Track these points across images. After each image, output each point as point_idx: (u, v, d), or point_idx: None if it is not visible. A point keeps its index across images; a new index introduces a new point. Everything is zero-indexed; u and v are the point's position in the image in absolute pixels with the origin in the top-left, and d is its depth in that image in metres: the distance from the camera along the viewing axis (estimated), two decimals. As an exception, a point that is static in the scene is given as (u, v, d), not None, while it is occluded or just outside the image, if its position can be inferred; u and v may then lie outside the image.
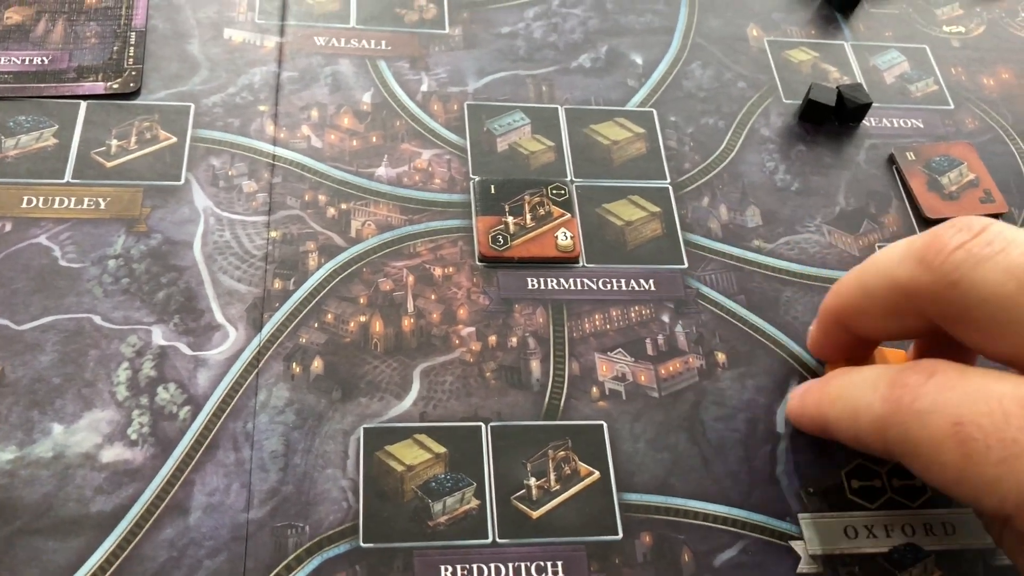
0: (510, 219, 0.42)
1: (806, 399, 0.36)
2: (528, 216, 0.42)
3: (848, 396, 0.32)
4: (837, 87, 0.47)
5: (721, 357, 0.40)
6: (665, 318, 0.40)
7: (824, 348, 0.38)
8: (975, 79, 0.51)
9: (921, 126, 0.49)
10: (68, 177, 0.40)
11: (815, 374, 0.39)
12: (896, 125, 0.49)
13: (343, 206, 0.41)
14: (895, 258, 0.32)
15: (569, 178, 0.44)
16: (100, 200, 0.40)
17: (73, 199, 0.40)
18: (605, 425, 0.37)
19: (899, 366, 0.31)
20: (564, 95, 0.47)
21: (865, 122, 0.48)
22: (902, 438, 0.29)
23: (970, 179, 0.47)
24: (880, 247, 0.44)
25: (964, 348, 0.31)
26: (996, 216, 0.46)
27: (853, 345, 0.36)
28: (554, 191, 0.43)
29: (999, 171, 0.47)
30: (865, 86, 0.50)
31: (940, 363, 0.29)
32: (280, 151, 0.42)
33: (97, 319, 0.37)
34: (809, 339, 0.39)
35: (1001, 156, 0.48)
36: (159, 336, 0.37)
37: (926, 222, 0.45)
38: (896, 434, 0.29)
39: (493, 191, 0.43)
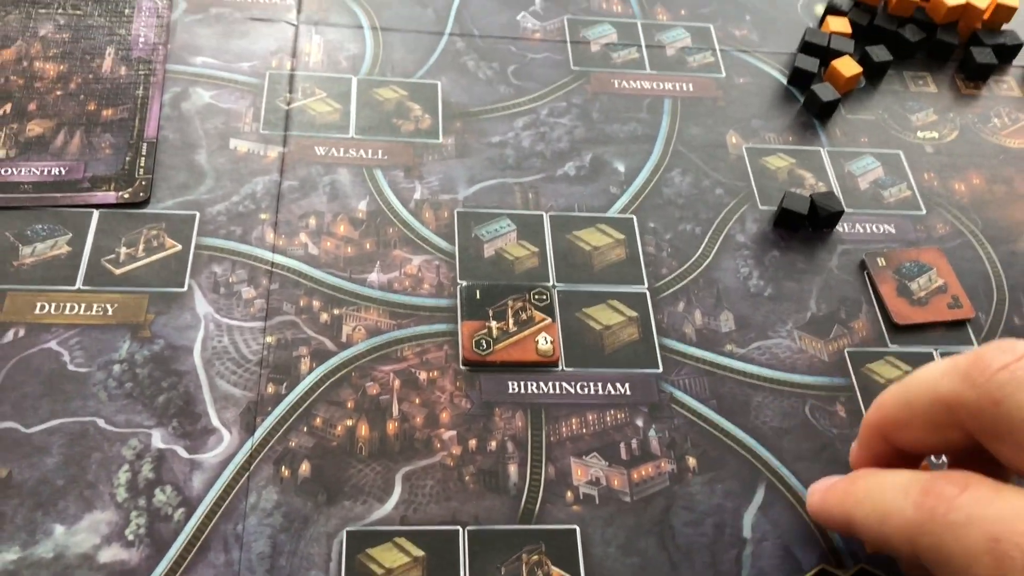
0: (493, 324, 0.44)
1: (829, 497, 0.37)
2: (511, 321, 0.44)
3: (877, 499, 0.33)
4: (810, 195, 0.50)
5: (692, 462, 0.41)
6: (639, 422, 0.42)
7: (866, 462, 0.38)
8: (947, 184, 0.54)
9: (893, 231, 0.51)
10: (79, 284, 0.43)
11: (781, 478, 0.41)
12: (869, 231, 0.51)
13: (336, 311, 0.44)
14: (938, 373, 0.33)
15: (551, 283, 0.46)
16: (108, 306, 0.43)
17: (83, 305, 0.42)
18: (578, 529, 0.39)
19: (930, 474, 0.32)
20: (549, 202, 0.49)
21: (839, 228, 0.50)
22: (934, 547, 0.30)
23: (939, 285, 0.49)
24: (849, 352, 0.46)
25: (998, 464, 0.32)
26: (962, 321, 0.48)
27: (893, 458, 0.37)
28: (536, 296, 0.46)
29: (968, 276, 0.49)
30: (840, 192, 0.52)
31: (973, 476, 0.31)
32: (279, 258, 0.45)
33: (101, 422, 0.39)
34: (851, 454, 0.39)
35: (970, 261, 0.50)
36: (158, 439, 0.39)
37: (895, 328, 0.47)
38: (928, 543, 0.30)
39: (478, 296, 0.45)
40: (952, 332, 0.47)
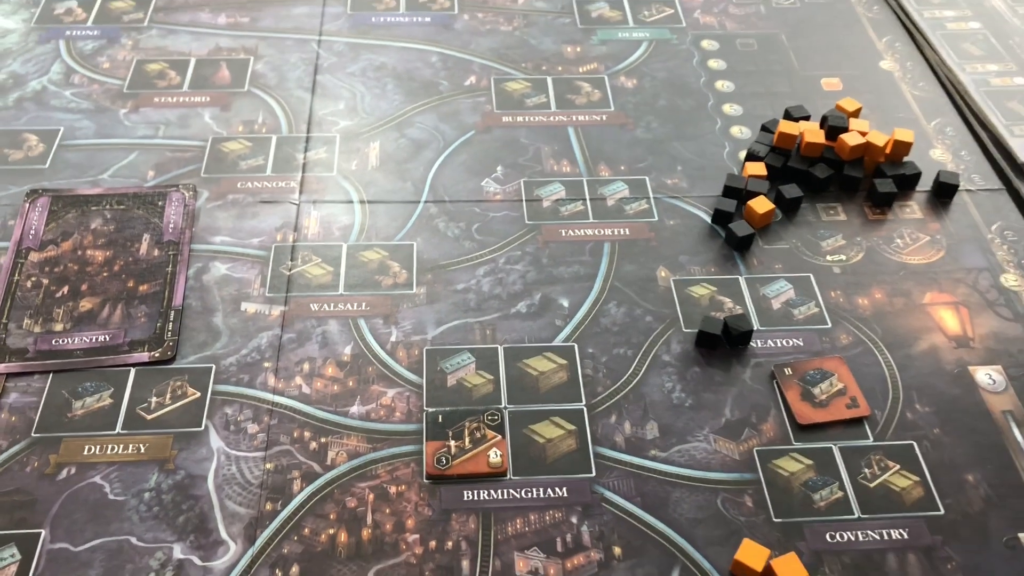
0: (452, 443, 0.53)
1: None
2: (467, 439, 0.54)
3: None
4: (724, 318, 0.59)
5: (617, 551, 0.49)
6: (574, 519, 0.51)
7: None
8: (851, 300, 0.62)
9: (802, 344, 0.59)
10: (119, 429, 0.54)
11: (694, 561, 0.49)
12: (780, 345, 0.59)
13: (322, 440, 0.53)
14: None
15: (503, 405, 0.56)
16: (141, 446, 0.53)
17: (121, 446, 0.53)
18: (519, 611, 0.47)
19: None
20: (504, 336, 0.59)
21: (753, 344, 0.59)
22: None
23: (839, 388, 0.57)
24: (758, 451, 0.54)
25: None
26: (859, 419, 0.55)
27: None
28: (489, 417, 0.55)
29: (867, 379, 0.57)
30: (755, 313, 0.61)
31: None
32: (278, 399, 0.55)
33: (133, 540, 0.49)
34: None
35: (869, 366, 0.58)
36: (178, 551, 0.49)
37: (799, 427, 0.55)
38: None
39: (440, 420, 0.55)
40: (850, 429, 0.55)
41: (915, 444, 0.54)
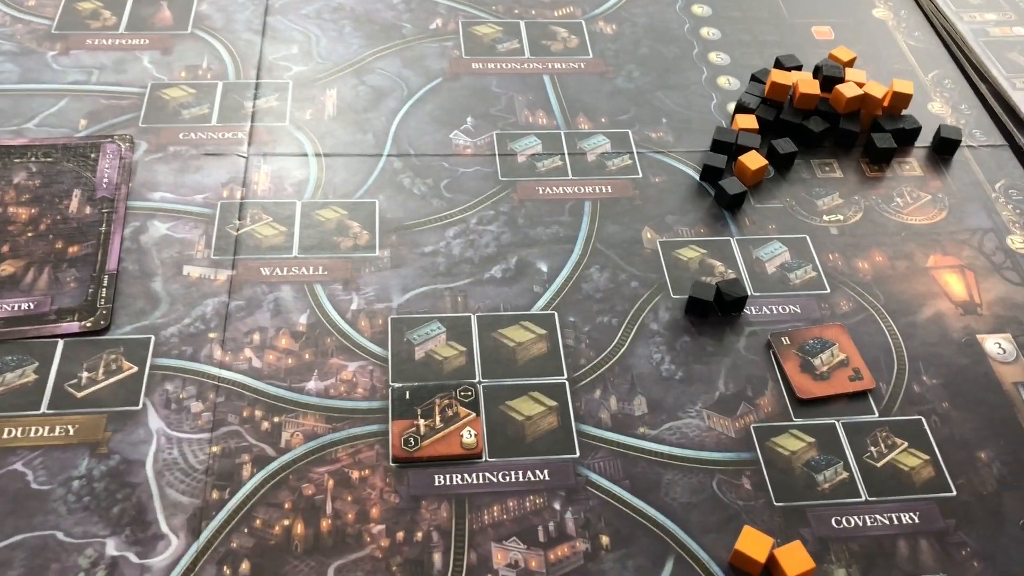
0: (421, 422, 0.48)
1: None
2: (438, 418, 0.48)
3: None
4: (716, 284, 0.54)
5: (605, 540, 0.45)
6: (556, 505, 0.46)
7: None
8: (850, 263, 0.58)
9: (799, 311, 0.55)
10: (44, 408, 0.47)
11: (688, 551, 0.44)
12: (775, 312, 0.55)
13: (276, 419, 0.48)
14: None
15: (477, 379, 0.50)
16: (70, 427, 0.47)
17: (47, 428, 0.47)
18: (497, 610, 0.42)
19: None
20: (477, 304, 0.54)
21: (746, 311, 0.54)
22: None
23: (841, 359, 0.52)
24: (755, 428, 0.49)
25: None
26: (863, 392, 0.51)
27: None
28: (462, 393, 0.50)
29: (869, 349, 0.53)
30: (747, 277, 0.56)
31: None
32: (225, 373, 0.50)
33: (60, 535, 0.43)
34: None
35: (872, 335, 0.54)
36: (111, 547, 0.43)
37: (799, 402, 0.50)
38: None
39: (407, 397, 0.49)
40: (853, 403, 0.51)
41: (923, 419, 0.50)
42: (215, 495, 0.45)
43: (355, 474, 0.46)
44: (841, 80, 0.65)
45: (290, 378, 0.50)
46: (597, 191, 0.61)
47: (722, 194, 0.60)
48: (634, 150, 0.63)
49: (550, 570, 0.43)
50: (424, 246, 0.57)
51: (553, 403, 0.50)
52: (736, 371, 0.52)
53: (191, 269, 0.54)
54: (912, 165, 0.64)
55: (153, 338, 0.51)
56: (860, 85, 0.65)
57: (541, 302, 0.54)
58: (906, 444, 0.49)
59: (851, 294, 0.56)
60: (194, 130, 0.62)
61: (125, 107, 0.63)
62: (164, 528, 0.44)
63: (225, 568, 0.43)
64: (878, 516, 0.46)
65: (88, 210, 0.56)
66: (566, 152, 0.63)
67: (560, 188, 0.61)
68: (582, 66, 0.69)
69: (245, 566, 0.43)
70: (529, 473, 0.47)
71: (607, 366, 0.51)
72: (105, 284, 0.53)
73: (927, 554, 0.45)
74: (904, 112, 0.66)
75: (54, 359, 0.49)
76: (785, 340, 0.53)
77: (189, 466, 0.46)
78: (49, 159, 0.59)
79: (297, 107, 0.64)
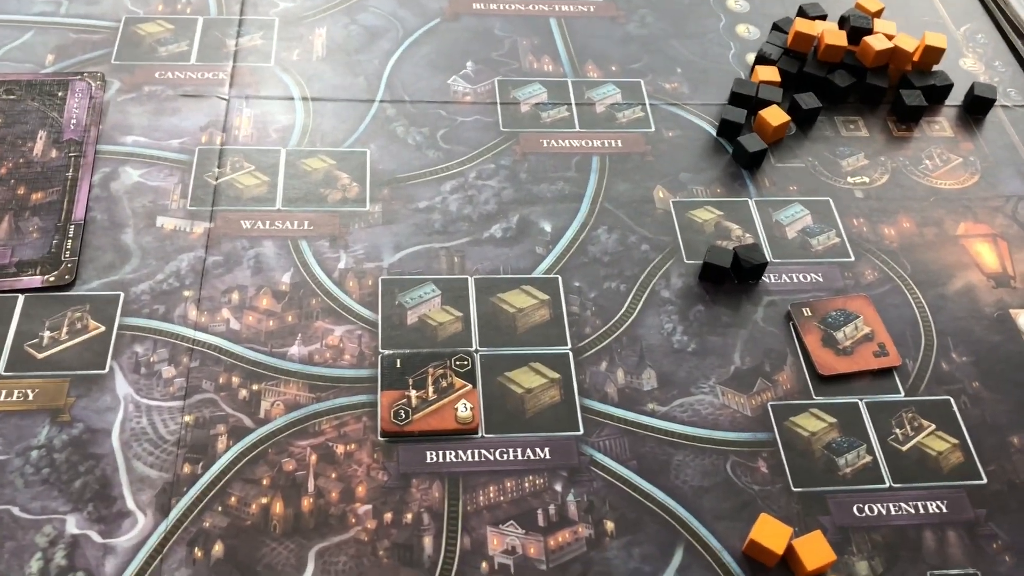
0: (413, 393, 0.44)
1: None
2: (431, 389, 0.45)
3: None
4: (733, 248, 0.50)
5: (610, 526, 0.41)
6: (558, 487, 0.42)
7: None
8: (876, 230, 0.54)
9: (821, 280, 0.51)
10: (1, 370, 0.43)
11: (700, 539, 0.41)
12: (796, 280, 0.51)
13: (255, 387, 0.44)
14: None
15: (474, 348, 0.47)
16: (29, 392, 0.43)
17: (3, 392, 0.43)
18: (492, 600, 0.39)
19: None
20: (475, 265, 0.50)
21: (765, 278, 0.51)
22: None
23: (865, 333, 0.48)
24: (772, 406, 0.46)
25: None
26: (889, 369, 0.47)
27: None
28: (458, 362, 0.46)
29: (895, 323, 0.49)
30: (767, 242, 0.52)
31: None
32: (200, 335, 0.46)
33: (16, 510, 0.40)
34: None
35: (898, 307, 0.50)
36: (72, 525, 0.39)
37: (820, 379, 0.47)
38: None
39: (398, 365, 0.45)
40: (878, 381, 0.47)
41: (952, 400, 0.47)
42: (187, 469, 0.41)
43: (340, 449, 0.43)
44: (869, 31, 0.61)
45: (271, 342, 0.46)
46: (606, 145, 0.56)
47: (740, 151, 0.55)
48: (646, 101, 0.59)
49: (550, 557, 0.40)
50: (418, 201, 0.52)
51: (556, 375, 0.46)
52: (753, 344, 0.48)
53: (165, 220, 0.50)
54: (942, 125, 0.60)
55: (122, 295, 0.47)
56: (889, 37, 0.61)
57: (544, 265, 0.50)
58: (934, 427, 0.46)
59: (876, 263, 0.52)
60: (171, 69, 0.57)
61: (97, 42, 0.58)
62: (130, 504, 0.40)
63: (196, 550, 0.39)
64: (903, 504, 0.43)
65: (54, 153, 0.52)
66: (573, 102, 0.58)
67: (566, 141, 0.56)
68: (592, 9, 0.65)
69: (218, 548, 0.39)
70: (529, 451, 0.43)
71: (614, 336, 0.48)
72: (71, 235, 0.49)
73: (955, 546, 0.42)
74: (935, 68, 0.61)
75: (13, 316, 0.45)
76: (806, 311, 0.49)
77: (159, 437, 0.42)
78: (12, 96, 0.54)
79: (283, 46, 0.59)
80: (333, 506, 0.41)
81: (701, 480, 0.43)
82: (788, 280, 0.51)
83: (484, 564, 0.40)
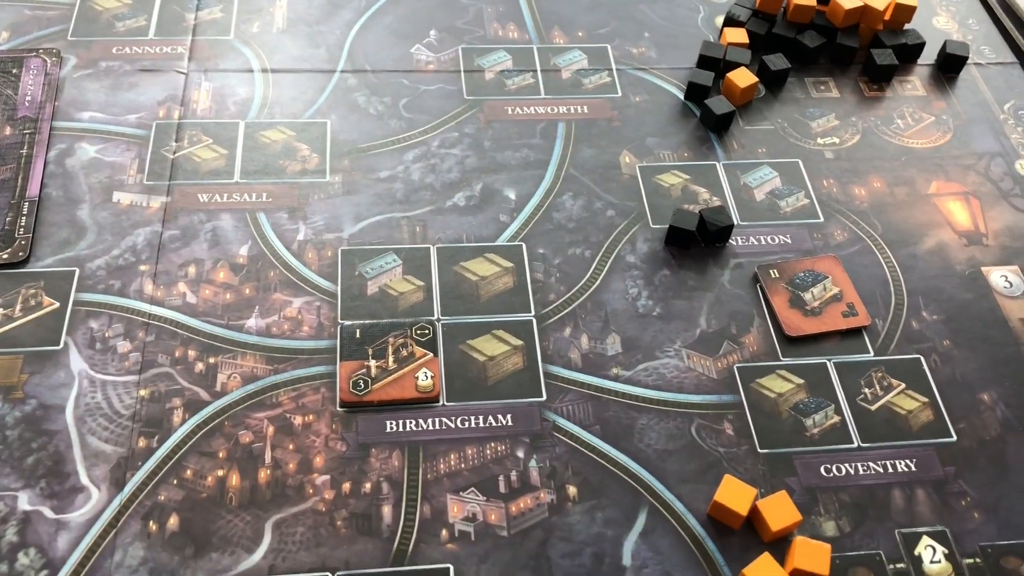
0: (373, 363, 0.44)
1: None
2: (391, 359, 0.44)
3: None
4: (699, 211, 0.49)
5: (572, 491, 0.41)
6: (520, 453, 0.42)
7: None
8: (846, 190, 0.53)
9: (789, 242, 0.50)
10: (-47, 348, 0.43)
11: (664, 502, 0.40)
12: (764, 243, 0.50)
13: (211, 360, 0.43)
14: None
15: (436, 316, 0.46)
16: (-19, 369, 0.42)
17: (-45, 370, 0.42)
18: (452, 568, 0.38)
19: None
20: (437, 234, 0.49)
21: (732, 241, 0.50)
22: None
23: (833, 293, 0.48)
24: (738, 368, 0.45)
25: None
26: (858, 329, 0.47)
27: None
28: (419, 331, 0.45)
29: (865, 283, 0.49)
30: (734, 205, 0.51)
31: None
32: (156, 309, 0.45)
33: (-33, 488, 0.39)
34: None
35: (868, 267, 0.49)
36: (24, 501, 0.39)
37: (787, 340, 0.46)
38: None
39: (358, 335, 0.45)
40: (847, 341, 0.46)
41: (922, 359, 0.46)
42: (142, 443, 0.41)
43: (298, 420, 0.42)
44: (839, -9, 0.60)
45: (228, 315, 0.45)
46: (572, 111, 0.55)
47: (708, 114, 0.54)
48: (613, 67, 0.58)
49: (511, 523, 0.40)
50: (380, 171, 0.52)
51: (519, 342, 0.45)
52: (719, 307, 0.47)
53: (122, 196, 0.49)
54: (914, 84, 0.59)
55: (78, 271, 0.46)
56: (860, -4, 0.60)
57: (508, 233, 0.49)
58: (903, 385, 0.45)
59: (846, 223, 0.51)
60: (129, 44, 0.56)
61: (52, 18, 0.57)
62: (84, 480, 0.39)
63: (151, 523, 0.38)
64: (871, 464, 0.42)
65: (8, 131, 0.51)
66: (539, 69, 0.57)
67: (531, 108, 0.55)
68: (558, -24, 0.64)
69: (173, 521, 0.39)
70: (491, 418, 0.43)
71: (578, 302, 0.47)
72: (25, 212, 0.48)
73: (924, 504, 0.41)
74: (907, 27, 0.60)
75: (-34, 294, 0.45)
76: (773, 273, 0.48)
77: (114, 411, 0.41)
78: (-35, 75, 0.53)
79: (243, 19, 0.58)
80: (290, 477, 0.40)
81: (666, 443, 0.42)
82: (756, 243, 0.50)
83: (444, 531, 0.39)
